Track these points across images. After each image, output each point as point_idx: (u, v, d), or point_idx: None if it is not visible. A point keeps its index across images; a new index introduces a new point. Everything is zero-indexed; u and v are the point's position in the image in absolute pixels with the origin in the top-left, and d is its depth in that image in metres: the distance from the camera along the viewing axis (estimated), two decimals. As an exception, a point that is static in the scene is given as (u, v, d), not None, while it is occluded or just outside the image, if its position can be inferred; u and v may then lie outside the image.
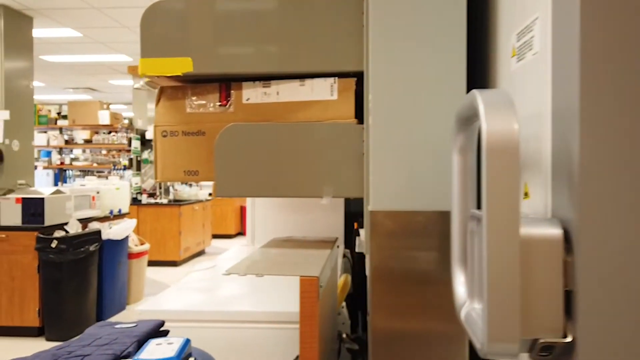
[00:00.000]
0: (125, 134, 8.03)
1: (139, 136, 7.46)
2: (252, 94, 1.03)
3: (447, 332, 0.66)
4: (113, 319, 4.61)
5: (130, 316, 4.72)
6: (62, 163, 7.79)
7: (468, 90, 0.70)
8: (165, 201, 7.31)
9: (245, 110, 1.03)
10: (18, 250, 4.03)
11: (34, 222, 4.05)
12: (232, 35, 1.00)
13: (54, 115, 7.70)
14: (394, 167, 0.66)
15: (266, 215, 3.55)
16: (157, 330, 1.04)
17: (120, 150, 8.47)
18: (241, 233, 10.65)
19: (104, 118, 7.44)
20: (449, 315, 0.65)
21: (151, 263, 5.74)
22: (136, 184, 7.26)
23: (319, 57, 0.98)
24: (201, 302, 1.86)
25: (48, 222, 4.09)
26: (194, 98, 1.06)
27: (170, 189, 7.80)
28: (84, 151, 9.33)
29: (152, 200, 7.25)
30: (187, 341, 0.90)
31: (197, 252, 8.02)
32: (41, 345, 3.92)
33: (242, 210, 10.65)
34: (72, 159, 7.89)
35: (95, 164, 7.89)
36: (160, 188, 7.60)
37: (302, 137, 0.97)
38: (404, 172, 0.66)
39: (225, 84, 1.05)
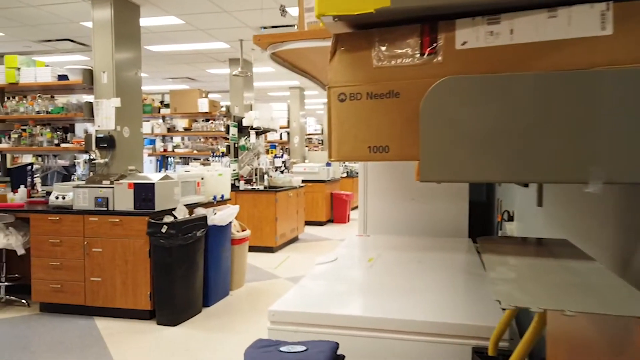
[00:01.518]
0: (222, 122, 8.13)
1: (236, 123, 7.50)
2: (470, 35, 0.73)
3: None
4: (219, 305, 4.63)
5: (234, 303, 4.70)
6: (164, 150, 8.08)
7: None
8: (261, 187, 7.30)
9: (459, 60, 0.74)
10: (131, 234, 4.11)
11: (145, 207, 4.10)
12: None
13: (156, 104, 7.99)
14: None
15: (379, 203, 3.27)
16: (335, 357, 0.79)
17: (217, 138, 8.62)
18: (331, 220, 10.52)
19: (203, 106, 7.57)
20: None
21: (248, 248, 5.72)
22: (234, 170, 7.33)
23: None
24: (337, 305, 1.62)
25: (158, 207, 4.13)
26: (383, 47, 0.78)
27: (265, 175, 7.80)
28: (182, 139, 9.66)
29: (248, 187, 7.28)
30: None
31: (292, 239, 7.98)
32: (153, 328, 3.99)
33: (332, 197, 10.50)
34: (174, 146, 8.16)
35: (195, 151, 8.09)
36: (256, 175, 7.62)
37: (560, 92, 0.65)
38: None
39: (429, 25, 0.76)
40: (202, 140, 8.72)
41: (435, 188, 3.09)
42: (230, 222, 4.90)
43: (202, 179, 4.98)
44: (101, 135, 4.65)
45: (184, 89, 7.95)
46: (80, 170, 7.34)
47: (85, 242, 4.19)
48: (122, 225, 4.13)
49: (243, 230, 5.29)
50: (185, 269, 4.15)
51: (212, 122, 8.33)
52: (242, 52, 6.42)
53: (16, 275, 4.79)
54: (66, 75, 4.75)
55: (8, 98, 5.04)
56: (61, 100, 4.98)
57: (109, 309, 4.19)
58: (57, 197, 4.30)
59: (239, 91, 7.98)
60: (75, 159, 7.75)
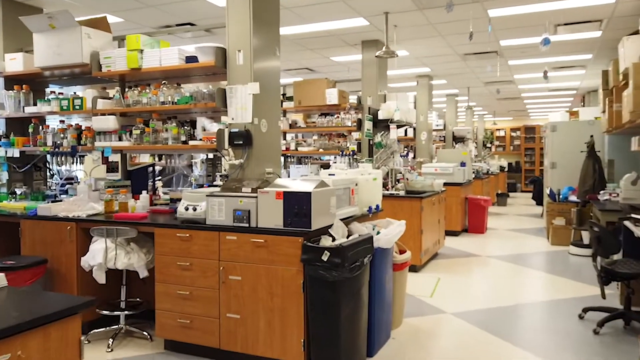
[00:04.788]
0: (349, 115, 7.01)
1: (371, 116, 6.36)
2: None
3: None
4: (383, 354, 3.47)
5: (401, 352, 3.51)
6: (287, 149, 7.15)
7: None
8: (402, 193, 6.08)
9: None
10: (279, 260, 3.09)
11: (299, 225, 3.05)
12: None
13: (278, 97, 7.08)
14: None
15: None
16: None
17: (343, 135, 7.54)
18: (466, 230, 9.04)
19: (331, 97, 6.52)
20: None
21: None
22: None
23: None
24: None
25: (315, 224, 3.06)
26: None
27: (400, 177, 6.58)
28: (295, 136, 8.73)
29: (386, 192, 6.09)
30: None
31: (433, 255, 6.68)
32: (309, 390, 2.93)
33: (468, 202, 9.01)
34: (297, 144, 7.21)
35: (321, 150, 7.08)
36: (389, 177, 6.43)
37: None
38: None
39: None
40: (325, 137, 7.67)
41: None
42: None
43: (356, 185, 3.87)
44: (235, 130, 3.70)
45: (309, 79, 6.97)
46: (197, 171, 6.61)
47: (221, 268, 3.24)
48: (267, 247, 3.12)
49: (402, 252, 4.09)
50: (351, 310, 3.05)
51: (337, 116, 7.25)
52: (387, 27, 5.25)
53: (137, 299, 4.02)
54: (195, 57, 3.87)
55: (129, 87, 4.30)
56: (188, 88, 4.13)
57: (250, 357, 3.20)
58: (186, 208, 3.41)
59: (372, 80, 6.83)
60: (192, 159, 7.04)
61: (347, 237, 3.27)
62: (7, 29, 4.77)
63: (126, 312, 3.69)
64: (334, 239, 3.17)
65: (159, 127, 4.03)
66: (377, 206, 4.17)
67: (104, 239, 3.54)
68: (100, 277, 3.57)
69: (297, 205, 3.06)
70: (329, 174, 4.12)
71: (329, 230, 3.21)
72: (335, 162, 8.47)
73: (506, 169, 17.55)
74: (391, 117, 6.18)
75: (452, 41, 6.91)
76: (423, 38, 6.72)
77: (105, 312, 3.69)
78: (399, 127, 6.40)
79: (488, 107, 15.88)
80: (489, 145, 18.02)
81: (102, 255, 3.53)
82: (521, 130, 19.66)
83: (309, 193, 3.03)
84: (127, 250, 3.60)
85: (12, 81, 4.69)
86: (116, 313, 3.69)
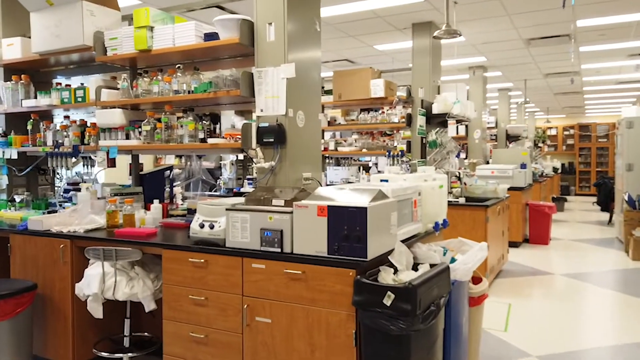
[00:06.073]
0: (396, 111, 6.13)
1: (424, 110, 5.46)
2: None
3: None
4: None
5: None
6: (325, 149, 6.33)
7: None
8: (462, 200, 5.16)
9: None
10: (322, 299, 2.26)
11: (349, 253, 2.22)
12: None
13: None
14: None
15: None
16: None
17: (387, 134, 6.66)
18: (527, 240, 7.99)
19: (377, 89, 5.66)
20: None
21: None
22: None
23: None
24: None
25: (372, 252, 2.22)
26: None
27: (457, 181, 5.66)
28: (332, 135, 7.91)
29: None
30: None
31: (497, 273, 5.72)
32: None
33: (529, 209, 7.96)
34: (337, 144, 6.38)
35: (364, 150, 6.23)
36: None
37: None
38: None
39: None
40: (367, 135, 6.81)
41: None
42: (468, 270, 2.85)
43: (419, 194, 3.00)
44: (265, 125, 2.91)
45: (351, 69, 6.14)
46: (226, 174, 5.87)
47: (245, 305, 2.45)
48: (306, 281, 2.30)
49: (477, 282, 3.19)
50: (422, 374, 2.19)
51: (382, 112, 6.38)
52: (447, 1, 4.37)
53: (145, 334, 3.28)
54: (215, 34, 3.10)
55: (140, 74, 3.58)
56: (208, 75, 3.36)
57: None
58: (202, 225, 2.63)
59: (425, 69, 5.92)
60: (221, 160, 6.30)
61: (414, 268, 2.41)
62: (7, 12, 4.14)
63: (130, 355, 2.94)
64: (396, 270, 2.33)
65: (173, 121, 3.28)
66: (445, 221, 3.28)
67: (100, 262, 2.81)
68: (97, 311, 2.83)
69: (347, 225, 2.22)
70: (381, 180, 3.26)
71: (389, 257, 2.36)
72: (375, 164, 7.65)
73: (559, 171, 16.21)
74: (449, 111, 5.26)
75: (518, 22, 5.92)
76: (485, 18, 5.77)
77: (104, 354, 2.95)
78: (459, 122, 5.47)
79: (541, 103, 14.60)
80: (540, 144, 16.70)
81: (97, 282, 2.79)
82: (575, 129, 18.20)
83: (365, 209, 2.19)
84: (130, 276, 2.86)
85: (11, 71, 4.07)
86: (117, 355, 2.94)
